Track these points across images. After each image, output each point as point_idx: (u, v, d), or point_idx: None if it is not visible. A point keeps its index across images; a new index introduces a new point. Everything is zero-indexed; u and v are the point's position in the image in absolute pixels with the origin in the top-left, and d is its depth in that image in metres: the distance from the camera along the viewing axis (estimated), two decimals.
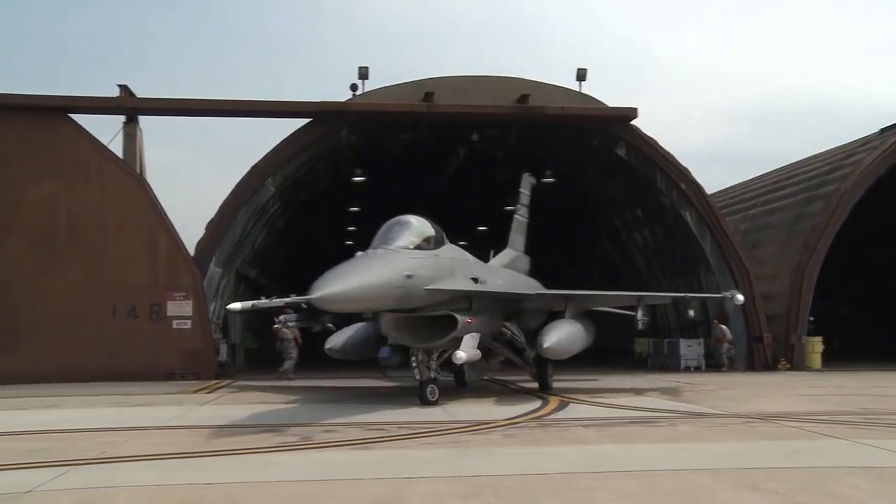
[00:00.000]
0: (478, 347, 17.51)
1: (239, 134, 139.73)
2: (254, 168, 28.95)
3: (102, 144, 27.92)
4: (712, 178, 56.53)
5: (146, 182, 28.32)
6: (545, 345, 18.70)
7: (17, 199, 26.78)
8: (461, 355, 16.75)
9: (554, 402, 18.17)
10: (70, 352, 25.60)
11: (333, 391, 21.99)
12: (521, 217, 27.54)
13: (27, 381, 23.81)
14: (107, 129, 29.10)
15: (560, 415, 15.98)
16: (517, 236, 27.03)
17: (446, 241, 18.00)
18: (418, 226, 17.34)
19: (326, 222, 44.34)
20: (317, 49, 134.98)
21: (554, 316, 20.96)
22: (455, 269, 17.79)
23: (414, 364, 17.64)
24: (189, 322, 26.85)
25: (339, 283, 14.68)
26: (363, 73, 29.55)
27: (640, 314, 20.89)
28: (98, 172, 27.36)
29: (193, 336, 26.85)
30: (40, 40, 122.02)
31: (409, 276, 15.96)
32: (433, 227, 17.69)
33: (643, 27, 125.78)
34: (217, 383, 24.67)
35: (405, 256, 16.27)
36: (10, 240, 26.68)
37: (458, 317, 17.14)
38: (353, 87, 29.59)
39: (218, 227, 28.49)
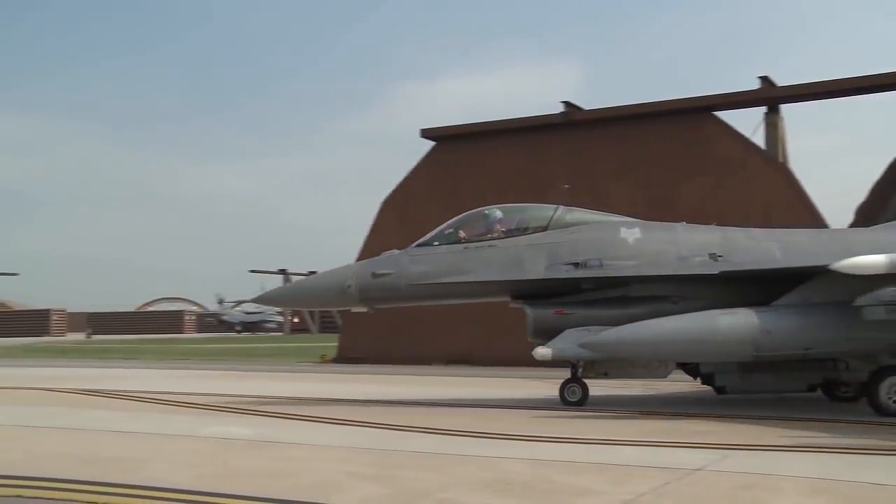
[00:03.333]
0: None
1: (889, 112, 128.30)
2: None
3: (745, 138, 28.46)
4: None
5: (791, 172, 27.96)
6: None
7: (670, 198, 28.91)
8: (540, 352, 15.34)
9: None
10: None
11: None
12: None
13: None
14: (748, 122, 29.65)
15: None
16: None
17: (552, 225, 16.23)
18: (465, 217, 16.97)
19: None
20: None
21: None
22: (527, 256, 15.96)
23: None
24: None
25: None
26: None
27: None
28: (742, 166, 27.95)
29: None
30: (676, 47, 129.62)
31: (377, 275, 16.38)
32: (496, 217, 16.63)
33: None
34: None
35: (396, 256, 16.62)
36: None
37: (528, 308, 16.00)
38: None
39: (870, 209, 26.58)
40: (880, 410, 13.73)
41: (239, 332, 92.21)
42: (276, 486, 8.56)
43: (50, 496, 8.13)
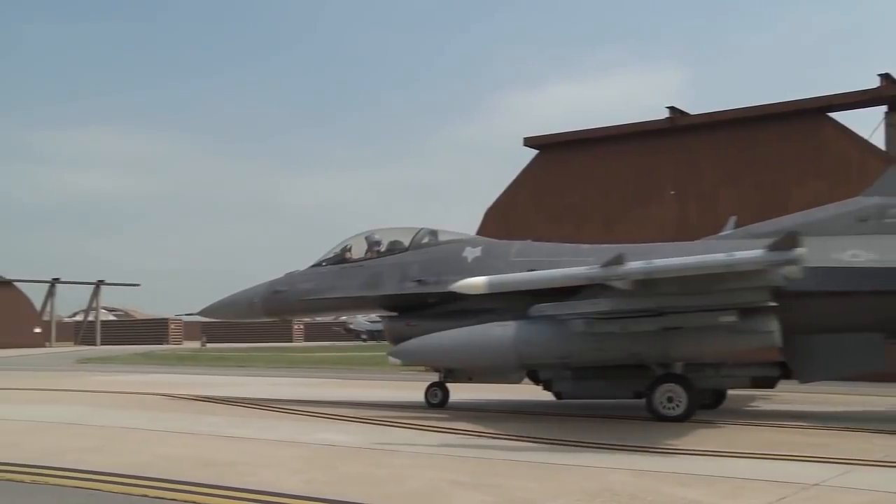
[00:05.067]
0: None
1: None
2: None
3: (863, 139, 27.23)
4: None
5: None
6: None
7: (782, 202, 27.90)
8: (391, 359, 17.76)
9: None
10: None
11: None
12: None
13: None
14: (867, 123, 28.36)
15: None
16: None
17: (425, 245, 18.18)
18: (349, 241, 19.19)
19: None
20: None
21: None
22: (385, 274, 17.98)
23: None
24: None
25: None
26: None
27: None
28: (859, 169, 26.71)
29: None
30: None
31: (276, 292, 19.05)
32: (382, 238, 18.75)
33: None
34: None
35: (292, 275, 19.13)
36: None
37: (385, 321, 18.54)
38: None
39: None
40: (657, 416, 14.63)
41: (365, 340, 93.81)
42: (382, 493, 8.70)
43: (172, 497, 8.51)
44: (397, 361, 17.89)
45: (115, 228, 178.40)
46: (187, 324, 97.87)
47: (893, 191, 15.11)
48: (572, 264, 15.26)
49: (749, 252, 12.91)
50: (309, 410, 17.08)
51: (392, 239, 18.78)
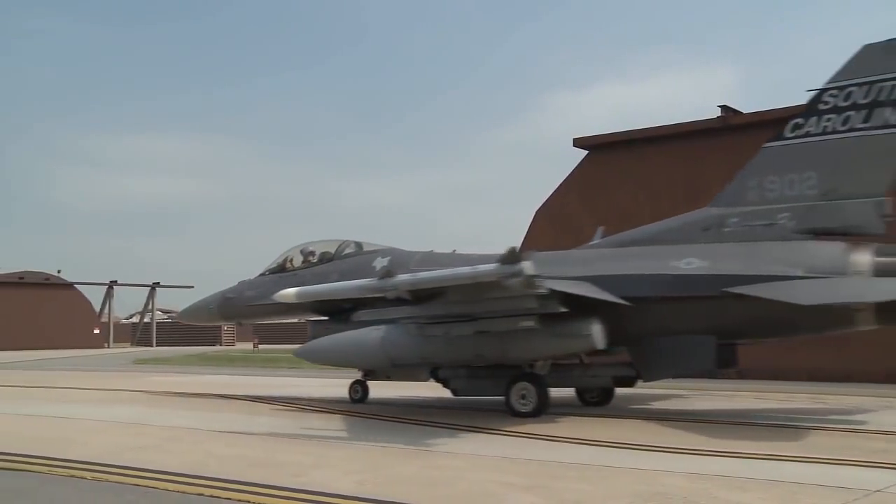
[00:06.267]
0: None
1: None
2: None
3: None
4: None
5: None
6: None
7: None
8: None
9: None
10: None
11: None
12: None
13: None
14: None
15: None
16: None
17: (349, 255, 19.79)
18: (289, 252, 20.95)
19: None
20: None
21: None
22: (309, 283, 18.55)
23: None
24: None
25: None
26: None
27: None
28: None
29: None
30: None
31: (227, 298, 21.06)
32: (315, 249, 20.50)
33: None
34: None
35: (241, 283, 21.04)
36: None
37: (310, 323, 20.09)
38: None
39: None
40: (513, 412, 15.92)
41: None
42: (434, 495, 8.74)
43: (227, 496, 8.66)
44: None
45: (170, 231, 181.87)
46: (239, 326, 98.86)
47: (733, 202, 15.94)
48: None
49: (486, 266, 13.79)
50: (358, 412, 17.23)
51: (322, 250, 20.49)
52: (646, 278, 15.33)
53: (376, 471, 10.21)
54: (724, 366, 16.81)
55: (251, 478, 9.59)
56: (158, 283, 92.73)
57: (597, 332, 14.90)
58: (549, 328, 15.02)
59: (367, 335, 16.88)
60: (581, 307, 14.93)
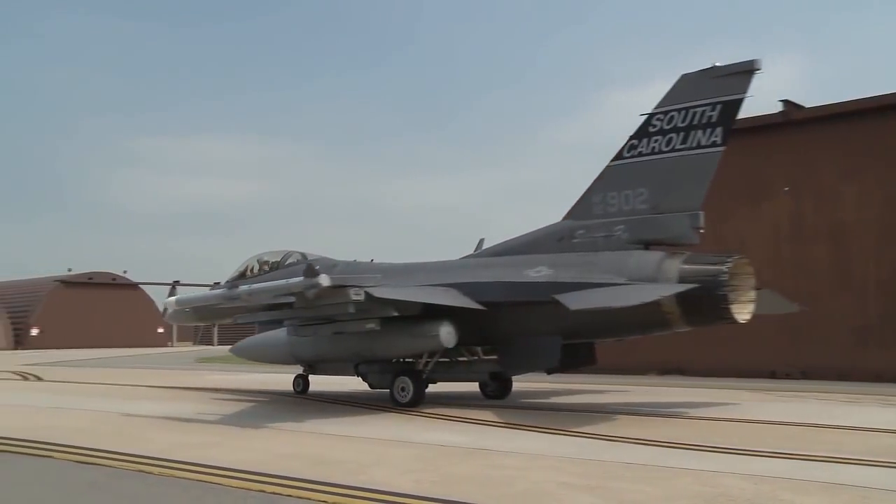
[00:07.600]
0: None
1: None
2: None
3: None
4: None
5: None
6: None
7: None
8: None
9: None
10: None
11: None
12: None
13: None
14: None
15: None
16: None
17: (288, 265, 21.49)
18: (249, 260, 22.71)
19: None
20: None
21: None
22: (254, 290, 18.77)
23: None
24: None
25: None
26: None
27: None
28: None
29: None
30: None
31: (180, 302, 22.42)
32: (268, 259, 22.26)
33: None
34: None
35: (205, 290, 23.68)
36: None
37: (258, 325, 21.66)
38: None
39: None
40: (394, 402, 18.06)
41: None
42: (491, 495, 8.74)
43: (287, 493, 8.81)
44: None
45: (230, 230, 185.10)
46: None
47: (582, 215, 17.61)
48: (365, 281, 17.62)
49: (294, 279, 16.47)
50: (417, 410, 17.32)
51: (273, 260, 22.26)
52: (500, 285, 17.29)
53: (434, 469, 10.26)
54: (585, 363, 19.18)
55: (311, 475, 9.73)
56: (219, 282, 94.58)
57: (445, 333, 17.09)
58: (406, 329, 17.29)
59: (278, 336, 19.52)
60: (435, 312, 17.05)
